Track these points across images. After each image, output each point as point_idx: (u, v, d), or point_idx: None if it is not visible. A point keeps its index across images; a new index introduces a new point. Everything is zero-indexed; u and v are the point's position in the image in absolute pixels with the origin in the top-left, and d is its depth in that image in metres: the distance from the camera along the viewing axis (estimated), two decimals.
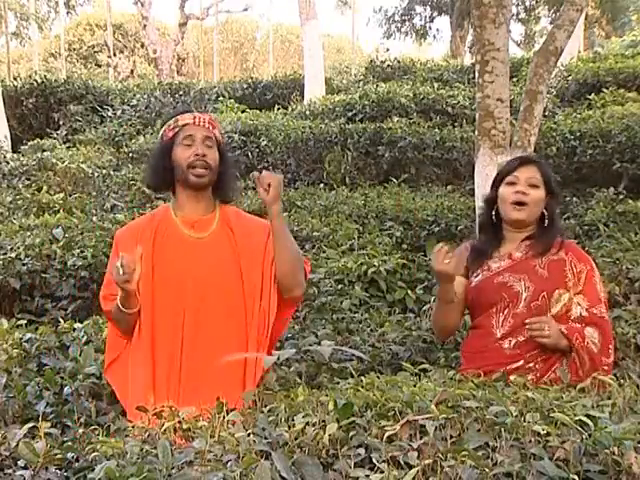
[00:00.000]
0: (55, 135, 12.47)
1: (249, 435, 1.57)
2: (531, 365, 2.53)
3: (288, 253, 2.49)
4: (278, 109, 12.72)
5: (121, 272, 2.31)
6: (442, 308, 2.70)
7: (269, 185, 2.46)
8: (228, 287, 2.47)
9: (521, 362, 2.54)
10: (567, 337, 2.51)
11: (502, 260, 2.69)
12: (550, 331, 2.49)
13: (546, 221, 2.70)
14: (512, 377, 2.16)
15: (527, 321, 2.54)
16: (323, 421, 1.61)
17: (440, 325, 2.80)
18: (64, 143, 11.72)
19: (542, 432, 1.53)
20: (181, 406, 1.91)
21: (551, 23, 24.36)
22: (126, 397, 2.46)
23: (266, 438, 1.57)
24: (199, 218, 2.55)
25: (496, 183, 2.75)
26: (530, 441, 1.53)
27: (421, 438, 1.53)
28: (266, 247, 2.50)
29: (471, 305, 2.76)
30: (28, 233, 5.45)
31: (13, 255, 4.86)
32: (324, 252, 5.58)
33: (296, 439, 1.55)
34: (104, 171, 9.18)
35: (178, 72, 27.67)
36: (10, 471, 1.52)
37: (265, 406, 1.85)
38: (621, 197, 6.88)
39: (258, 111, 12.43)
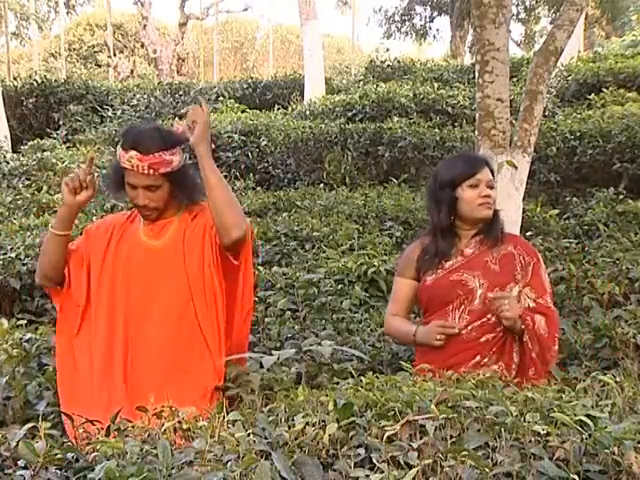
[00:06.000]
0: (55, 135, 12.45)
1: (249, 435, 1.57)
2: (486, 360, 2.60)
3: (219, 192, 2.40)
4: (278, 109, 12.72)
5: (77, 181, 2.42)
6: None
7: (194, 122, 2.40)
8: (175, 295, 2.47)
9: (477, 358, 2.61)
10: (521, 318, 2.59)
11: (455, 257, 2.75)
12: (510, 306, 2.56)
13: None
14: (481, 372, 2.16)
15: (490, 295, 2.60)
16: (323, 421, 1.61)
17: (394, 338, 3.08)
18: (64, 143, 11.71)
19: (542, 432, 1.53)
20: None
21: (551, 23, 24.34)
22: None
23: (266, 438, 1.57)
24: (159, 221, 2.55)
25: (454, 184, 2.74)
26: (530, 441, 1.53)
27: (421, 438, 1.53)
28: (205, 233, 2.46)
29: (426, 303, 2.80)
30: (28, 233, 5.45)
31: (13, 255, 4.86)
32: (324, 252, 5.57)
33: (296, 439, 1.55)
34: (104, 171, 9.17)
35: (178, 72, 27.61)
36: (10, 471, 1.52)
37: (267, 406, 1.85)
38: (621, 197, 6.88)
39: (258, 111, 12.42)
